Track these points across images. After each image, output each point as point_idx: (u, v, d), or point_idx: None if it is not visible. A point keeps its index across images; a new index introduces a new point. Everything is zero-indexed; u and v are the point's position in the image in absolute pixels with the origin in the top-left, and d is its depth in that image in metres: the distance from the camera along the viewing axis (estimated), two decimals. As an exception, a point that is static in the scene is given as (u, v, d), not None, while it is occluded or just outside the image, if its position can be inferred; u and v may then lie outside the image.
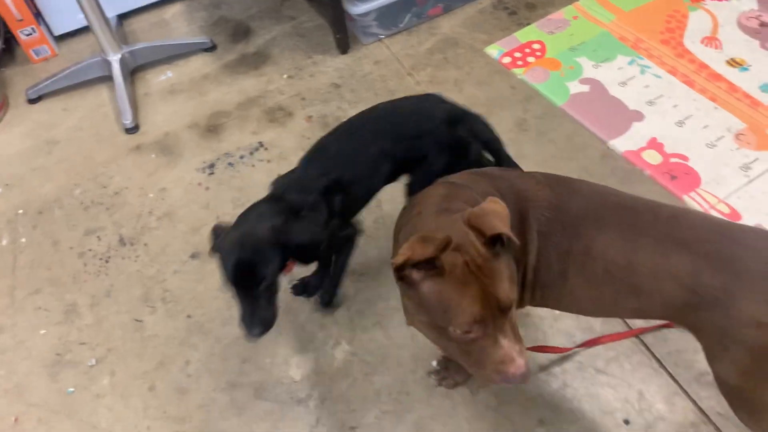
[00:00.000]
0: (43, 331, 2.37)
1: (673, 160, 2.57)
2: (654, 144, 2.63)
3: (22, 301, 2.48)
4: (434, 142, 1.92)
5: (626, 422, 1.88)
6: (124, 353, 2.27)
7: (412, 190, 2.05)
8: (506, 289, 1.24)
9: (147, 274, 2.49)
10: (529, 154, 2.68)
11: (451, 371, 2.02)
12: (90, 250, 2.62)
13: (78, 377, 2.22)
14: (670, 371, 1.96)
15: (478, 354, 1.28)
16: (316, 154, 1.94)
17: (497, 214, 1.27)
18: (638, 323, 2.07)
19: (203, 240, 2.54)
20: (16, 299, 2.49)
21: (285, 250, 1.67)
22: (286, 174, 1.93)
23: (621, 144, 2.65)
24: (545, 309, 2.10)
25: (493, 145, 2.00)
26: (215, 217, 2.64)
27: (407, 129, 1.92)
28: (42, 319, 2.41)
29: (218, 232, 1.73)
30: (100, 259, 2.58)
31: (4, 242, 2.71)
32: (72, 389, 2.19)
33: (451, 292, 1.22)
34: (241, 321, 1.65)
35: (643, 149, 2.62)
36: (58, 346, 2.32)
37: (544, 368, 2.03)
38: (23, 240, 2.71)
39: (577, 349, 2.03)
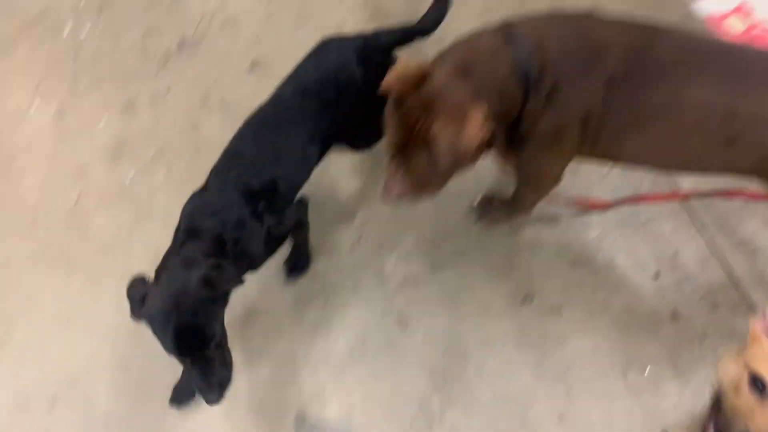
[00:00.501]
0: (104, 121, 2.45)
1: (756, 31, 2.43)
2: (741, 10, 2.48)
3: (84, 90, 2.55)
4: (359, 89, 1.71)
5: (656, 276, 1.95)
6: (179, 152, 2.35)
7: (357, 146, 1.92)
8: (416, 160, 1.41)
9: (205, 79, 2.51)
10: (606, 7, 2.54)
11: (492, 210, 2.07)
12: (150, 49, 2.63)
13: (137, 168, 2.33)
14: (710, 236, 1.99)
15: (389, 159, 1.52)
16: (227, 164, 1.67)
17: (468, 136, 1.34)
18: (686, 186, 2.07)
19: (263, 52, 2.54)
20: (78, 88, 2.55)
21: (224, 296, 1.49)
22: (196, 195, 1.66)
23: (706, 7, 2.50)
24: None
25: (406, 38, 1.81)
26: (275, 33, 2.61)
27: (327, 94, 1.69)
28: (103, 109, 2.48)
29: (137, 289, 1.47)
30: (160, 59, 2.59)
31: (66, 33, 2.72)
32: (130, 178, 2.31)
33: (390, 120, 1.43)
34: (197, 389, 1.46)
35: (727, 15, 2.48)
36: (118, 136, 2.41)
37: (584, 216, 2.07)
38: (85, 33, 2.72)
39: (620, 204, 2.06)
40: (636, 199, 2.05)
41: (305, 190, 1.82)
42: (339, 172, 2.24)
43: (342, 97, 1.70)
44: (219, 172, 1.66)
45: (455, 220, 2.11)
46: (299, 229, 1.87)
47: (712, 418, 1.17)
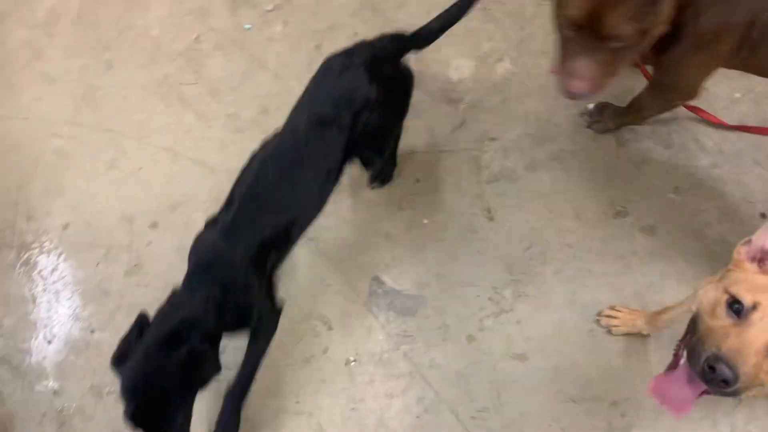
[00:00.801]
0: (228, -34, 2.47)
1: None
2: None
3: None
4: (376, 107, 1.57)
5: (763, 216, 1.86)
6: (299, 7, 2.36)
7: (370, 163, 1.79)
8: (615, 20, 1.23)
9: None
10: None
11: (605, 116, 1.99)
12: None
13: (255, 18, 2.36)
14: (836, 183, 1.88)
15: (564, 54, 1.37)
16: (244, 208, 1.50)
17: None
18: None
19: None
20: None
21: (201, 383, 1.41)
22: (207, 236, 1.53)
23: None
24: (727, 89, 2.00)
25: (415, 43, 1.71)
26: None
27: (344, 120, 1.55)
28: (229, -46, 2.49)
29: (126, 341, 1.41)
30: None
31: None
32: (248, 26, 2.34)
33: None
34: None
35: None
36: (241, -17, 2.43)
37: (698, 142, 1.97)
38: None
39: (737, 129, 1.95)
40: (760, 129, 1.93)
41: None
42: (453, 51, 2.20)
43: (359, 119, 1.56)
44: (234, 217, 1.50)
45: (563, 122, 2.06)
46: (268, 332, 1.67)
47: (685, 340, 1.15)
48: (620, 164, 1.98)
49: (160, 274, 2.01)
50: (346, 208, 2.03)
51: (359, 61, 1.58)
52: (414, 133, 2.09)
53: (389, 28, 2.16)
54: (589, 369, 1.77)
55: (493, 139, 2.07)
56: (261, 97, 2.21)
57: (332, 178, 1.60)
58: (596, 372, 1.76)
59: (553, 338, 1.82)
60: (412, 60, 2.16)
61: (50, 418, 1.90)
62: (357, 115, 1.55)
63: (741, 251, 1.14)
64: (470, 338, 1.84)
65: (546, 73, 2.12)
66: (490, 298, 1.88)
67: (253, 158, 1.57)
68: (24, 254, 2.12)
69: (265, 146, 1.58)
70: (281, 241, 1.56)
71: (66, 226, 2.14)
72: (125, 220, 2.10)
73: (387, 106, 1.62)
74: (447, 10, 1.72)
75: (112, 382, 1.88)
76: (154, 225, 2.08)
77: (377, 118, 1.59)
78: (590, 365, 1.78)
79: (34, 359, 1.98)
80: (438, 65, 2.19)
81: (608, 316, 1.80)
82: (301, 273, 1.97)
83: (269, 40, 2.31)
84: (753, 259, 1.13)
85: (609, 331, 1.79)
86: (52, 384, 1.94)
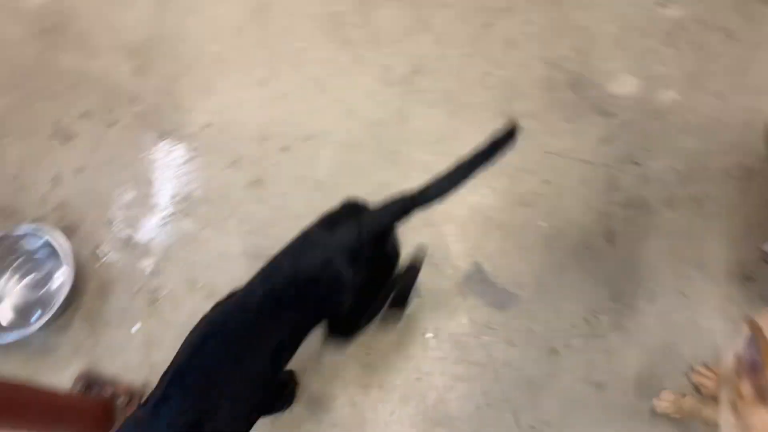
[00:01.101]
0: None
1: None
2: None
3: None
4: (350, 288, 1.36)
5: None
6: (481, -19, 2.34)
7: (337, 332, 1.53)
8: None
9: None
10: None
11: None
12: None
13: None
14: None
15: None
16: (172, 387, 1.28)
17: None
18: None
19: None
20: None
21: None
22: (135, 415, 1.27)
23: None
24: None
25: (404, 213, 1.38)
26: None
27: (306, 303, 1.36)
28: None
29: None
30: None
31: None
32: (425, -13, 2.36)
33: None
34: None
35: None
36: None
37: None
38: None
39: None
40: None
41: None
42: (620, 65, 2.13)
43: (325, 302, 1.38)
44: (161, 397, 1.28)
45: (714, 167, 1.96)
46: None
47: None
48: (764, 225, 1.86)
49: (278, 194, 2.08)
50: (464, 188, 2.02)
51: (338, 245, 1.36)
52: (557, 134, 2.05)
53: (564, 26, 2.14)
54: (666, 421, 1.70)
55: (636, 163, 2.00)
56: (417, 57, 2.22)
57: (287, 350, 1.40)
58: (673, 427, 1.69)
59: (637, 378, 1.75)
60: (574, 62, 2.15)
61: (143, 295, 2.02)
62: (323, 299, 1.37)
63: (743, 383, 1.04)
64: (553, 351, 1.80)
65: (711, 112, 2.02)
66: (585, 319, 1.83)
67: (201, 320, 1.37)
68: (163, 140, 2.25)
69: (214, 311, 1.38)
70: (225, 424, 1.32)
71: (206, 126, 2.24)
72: (260, 136, 2.18)
73: (369, 284, 1.44)
74: (460, 165, 1.39)
75: (205, 279, 2.00)
76: (285, 149, 2.15)
77: (354, 299, 1.41)
78: (669, 417, 1.70)
79: (144, 237, 2.11)
80: (601, 75, 2.13)
81: (701, 374, 1.71)
82: (407, 236, 1.99)
83: (442, 5, 2.31)
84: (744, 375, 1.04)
85: (697, 389, 1.71)
86: (153, 265, 2.06)
